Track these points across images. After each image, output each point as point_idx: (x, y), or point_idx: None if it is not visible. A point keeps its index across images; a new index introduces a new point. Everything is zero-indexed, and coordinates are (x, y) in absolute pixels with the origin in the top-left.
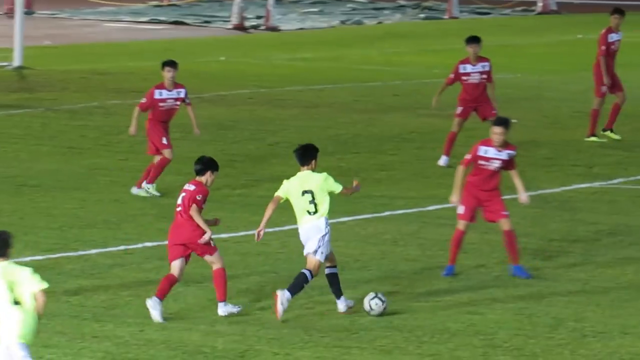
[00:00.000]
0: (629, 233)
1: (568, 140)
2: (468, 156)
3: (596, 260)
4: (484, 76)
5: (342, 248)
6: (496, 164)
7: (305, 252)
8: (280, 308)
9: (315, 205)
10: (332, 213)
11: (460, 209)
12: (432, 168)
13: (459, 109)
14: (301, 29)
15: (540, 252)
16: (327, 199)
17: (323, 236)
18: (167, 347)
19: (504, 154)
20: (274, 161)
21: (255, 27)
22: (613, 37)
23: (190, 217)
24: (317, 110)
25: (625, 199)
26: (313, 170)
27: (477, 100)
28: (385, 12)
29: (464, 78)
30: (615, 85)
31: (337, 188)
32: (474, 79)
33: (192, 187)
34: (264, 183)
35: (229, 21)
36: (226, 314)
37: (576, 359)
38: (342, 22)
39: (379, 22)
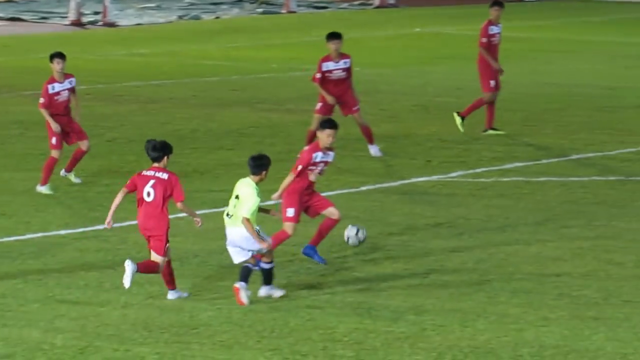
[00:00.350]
0: (467, 226)
1: (407, 133)
2: (301, 166)
3: (436, 253)
4: (345, 72)
5: (180, 243)
6: (321, 167)
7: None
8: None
9: (235, 211)
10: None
11: (290, 212)
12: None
13: (319, 105)
14: (139, 24)
15: (380, 245)
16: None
17: (252, 237)
18: (6, 344)
19: (330, 156)
20: (112, 157)
21: (92, 22)
22: (493, 29)
23: (161, 208)
24: (155, 105)
25: (463, 192)
26: (259, 182)
27: (339, 97)
28: (223, 6)
29: (327, 75)
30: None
31: (244, 212)
32: (337, 75)
33: (164, 176)
34: (102, 179)
35: (66, 17)
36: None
37: (416, 352)
38: (180, 17)
39: (217, 17)
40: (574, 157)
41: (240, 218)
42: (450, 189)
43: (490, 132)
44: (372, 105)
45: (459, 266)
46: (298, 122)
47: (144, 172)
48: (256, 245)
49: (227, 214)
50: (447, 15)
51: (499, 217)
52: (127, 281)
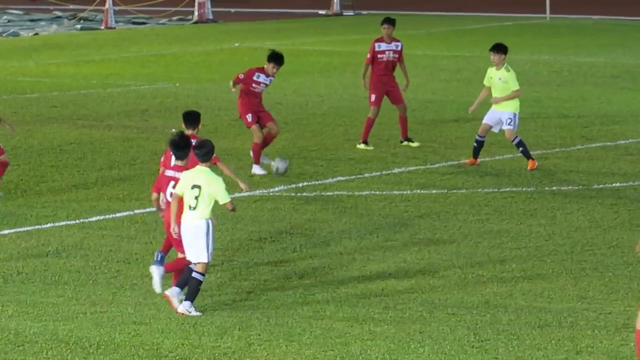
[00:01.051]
0: (291, 241)
1: (227, 148)
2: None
3: (260, 268)
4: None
5: (4, 261)
6: None
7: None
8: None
9: (197, 201)
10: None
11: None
12: (93, 179)
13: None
14: None
15: None
16: (212, 202)
17: (206, 234)
18: None
19: None
20: None
21: None
22: (382, 46)
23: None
24: None
25: (286, 206)
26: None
27: (259, 109)
28: (42, 23)
29: (254, 87)
30: (394, 97)
31: (223, 199)
32: (260, 89)
33: None
34: None
35: None
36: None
37: None
38: None
39: (36, 34)
40: (396, 170)
41: (202, 208)
42: (273, 204)
43: (362, 146)
44: None
45: (284, 281)
46: (119, 138)
47: (167, 173)
48: (202, 243)
49: (190, 207)
50: (266, 30)
51: (322, 232)
52: (157, 286)
